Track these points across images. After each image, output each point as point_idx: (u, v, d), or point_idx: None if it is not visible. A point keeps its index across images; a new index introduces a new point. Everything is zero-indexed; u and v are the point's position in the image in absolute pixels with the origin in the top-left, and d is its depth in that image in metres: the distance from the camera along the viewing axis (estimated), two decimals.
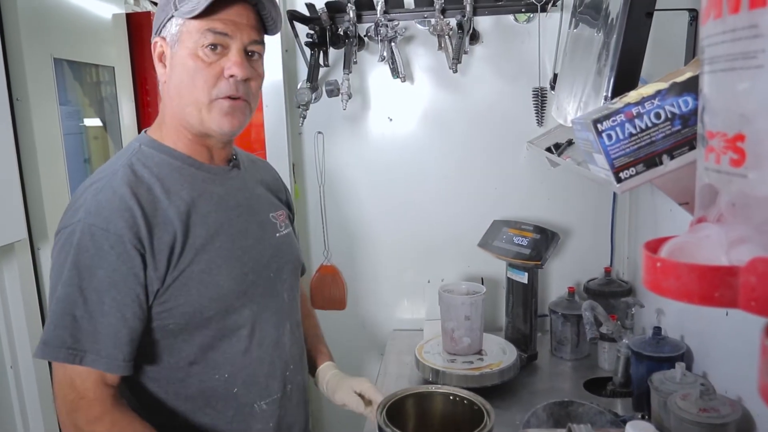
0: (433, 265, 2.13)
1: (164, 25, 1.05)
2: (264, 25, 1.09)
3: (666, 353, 1.42)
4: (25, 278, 1.98)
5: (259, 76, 1.10)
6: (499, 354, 1.67)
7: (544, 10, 1.81)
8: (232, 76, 1.03)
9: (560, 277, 2.07)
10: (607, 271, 1.94)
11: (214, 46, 1.02)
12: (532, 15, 1.89)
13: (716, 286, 0.57)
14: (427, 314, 2.11)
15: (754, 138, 0.58)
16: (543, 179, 2.01)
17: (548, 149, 1.55)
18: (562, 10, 1.81)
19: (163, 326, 1.05)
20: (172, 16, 1.03)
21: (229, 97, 1.04)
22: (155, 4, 3.42)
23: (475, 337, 1.67)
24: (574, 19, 1.53)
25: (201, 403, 1.09)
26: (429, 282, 2.12)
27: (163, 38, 1.05)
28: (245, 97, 1.07)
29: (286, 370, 1.19)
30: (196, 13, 1.00)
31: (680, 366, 1.31)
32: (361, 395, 1.25)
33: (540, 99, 1.86)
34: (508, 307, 1.84)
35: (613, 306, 1.81)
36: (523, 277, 1.76)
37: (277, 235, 1.21)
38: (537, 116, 1.88)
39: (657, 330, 1.47)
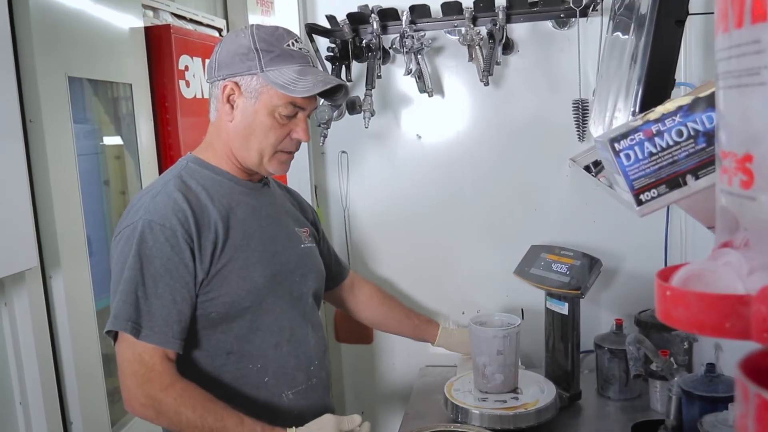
0: (468, 294, 2.15)
1: (242, 76, 1.31)
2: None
3: (720, 393, 1.41)
4: (36, 309, 2.06)
5: None
6: (536, 393, 1.68)
7: (584, 15, 1.84)
8: (299, 140, 1.37)
9: (609, 308, 2.07)
10: None
11: (288, 115, 1.33)
12: (571, 20, 1.92)
13: (727, 316, 0.59)
14: None
15: (761, 159, 0.60)
16: (588, 200, 2.02)
17: (587, 168, 1.57)
18: (602, 14, 1.84)
19: (206, 315, 1.32)
20: (256, 74, 1.30)
21: (289, 152, 1.39)
22: (178, 17, 3.57)
23: (508, 373, 1.69)
24: (611, 23, 1.56)
25: (236, 388, 1.36)
26: (463, 313, 2.14)
27: (237, 85, 1.32)
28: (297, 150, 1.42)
29: (310, 365, 1.45)
30: (297, 95, 1.29)
31: (734, 407, 1.30)
32: None
33: (581, 112, 1.88)
34: (548, 341, 1.85)
35: (667, 340, 1.80)
36: (564, 308, 1.77)
37: (302, 246, 1.50)
38: (578, 131, 1.90)
39: (710, 367, 1.46)
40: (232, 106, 1.34)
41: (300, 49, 1.34)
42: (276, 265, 1.40)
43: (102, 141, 2.76)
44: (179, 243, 1.26)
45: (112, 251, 1.34)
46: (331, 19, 1.92)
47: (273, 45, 1.31)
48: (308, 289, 1.48)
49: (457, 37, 1.90)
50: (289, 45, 1.32)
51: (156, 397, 1.23)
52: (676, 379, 1.53)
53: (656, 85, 1.04)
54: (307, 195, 2.11)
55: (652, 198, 0.87)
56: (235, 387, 1.36)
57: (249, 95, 1.32)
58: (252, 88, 1.32)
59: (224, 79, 1.33)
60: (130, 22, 2.85)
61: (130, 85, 2.82)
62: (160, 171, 2.41)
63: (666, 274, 0.68)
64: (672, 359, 1.61)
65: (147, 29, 3.03)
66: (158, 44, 3.05)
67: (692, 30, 1.71)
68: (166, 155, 3.11)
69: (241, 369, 1.36)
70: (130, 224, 1.29)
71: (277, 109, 1.32)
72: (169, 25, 3.20)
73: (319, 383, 1.48)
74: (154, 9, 3.30)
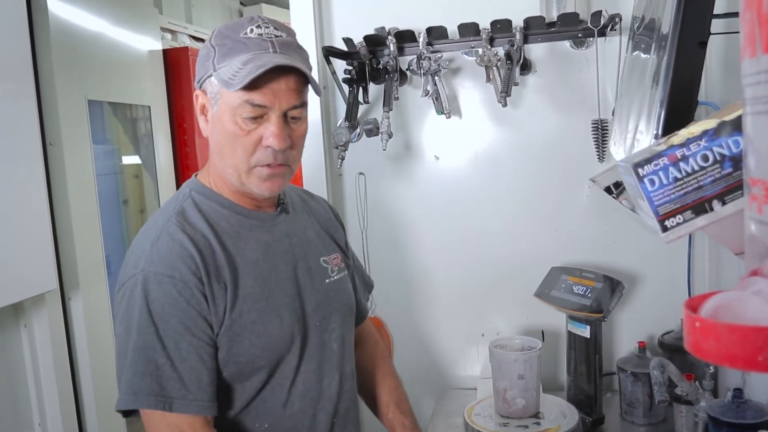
0: (487, 316, 2.13)
1: (205, 80, 1.13)
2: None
3: (748, 419, 1.38)
4: (56, 330, 2.08)
5: (301, 138, 1.17)
6: (558, 417, 1.66)
7: (602, 34, 1.83)
8: (269, 146, 1.11)
9: (631, 330, 2.03)
10: None
11: (252, 117, 1.09)
12: (589, 40, 1.91)
13: (760, 349, 0.57)
14: (482, 372, 2.10)
15: None
16: (608, 220, 1.99)
17: (607, 189, 1.56)
18: (620, 34, 1.83)
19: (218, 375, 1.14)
20: (211, 75, 1.11)
21: (268, 165, 1.13)
22: (196, 39, 3.62)
23: (530, 398, 1.67)
24: (631, 42, 1.55)
25: None
26: (483, 335, 2.12)
27: (204, 92, 1.14)
28: (285, 162, 1.14)
29: (331, 424, 1.26)
30: (234, 90, 1.06)
31: None
32: None
33: (600, 132, 1.86)
34: (569, 365, 1.82)
35: (692, 363, 1.76)
36: (585, 331, 1.74)
37: (327, 281, 1.29)
38: (597, 151, 1.88)
39: (738, 392, 1.43)
40: (206, 118, 1.15)
41: (260, 34, 1.08)
42: (296, 312, 1.20)
43: (121, 161, 2.80)
44: (194, 294, 1.08)
45: (116, 308, 1.15)
46: (348, 41, 1.92)
47: (227, 37, 1.09)
48: (331, 333, 1.27)
49: (474, 58, 1.90)
50: (246, 33, 1.08)
51: None
52: (702, 404, 1.50)
53: (679, 107, 1.02)
54: None
55: (678, 224, 0.85)
56: None
57: (212, 101, 1.12)
58: (212, 93, 1.11)
59: (196, 90, 1.16)
60: (148, 44, 2.90)
61: (149, 106, 2.86)
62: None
63: (694, 303, 0.67)
64: (697, 383, 1.57)
65: (165, 51, 3.09)
66: (176, 66, 3.11)
67: (713, 49, 1.69)
68: (183, 174, 3.17)
69: (248, 430, 1.19)
70: (130, 277, 1.10)
71: (237, 112, 1.08)
72: (188, 47, 3.26)
73: None
74: (172, 32, 3.36)
